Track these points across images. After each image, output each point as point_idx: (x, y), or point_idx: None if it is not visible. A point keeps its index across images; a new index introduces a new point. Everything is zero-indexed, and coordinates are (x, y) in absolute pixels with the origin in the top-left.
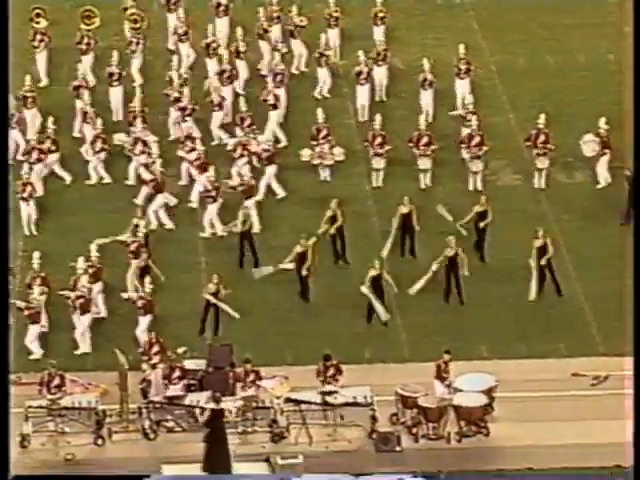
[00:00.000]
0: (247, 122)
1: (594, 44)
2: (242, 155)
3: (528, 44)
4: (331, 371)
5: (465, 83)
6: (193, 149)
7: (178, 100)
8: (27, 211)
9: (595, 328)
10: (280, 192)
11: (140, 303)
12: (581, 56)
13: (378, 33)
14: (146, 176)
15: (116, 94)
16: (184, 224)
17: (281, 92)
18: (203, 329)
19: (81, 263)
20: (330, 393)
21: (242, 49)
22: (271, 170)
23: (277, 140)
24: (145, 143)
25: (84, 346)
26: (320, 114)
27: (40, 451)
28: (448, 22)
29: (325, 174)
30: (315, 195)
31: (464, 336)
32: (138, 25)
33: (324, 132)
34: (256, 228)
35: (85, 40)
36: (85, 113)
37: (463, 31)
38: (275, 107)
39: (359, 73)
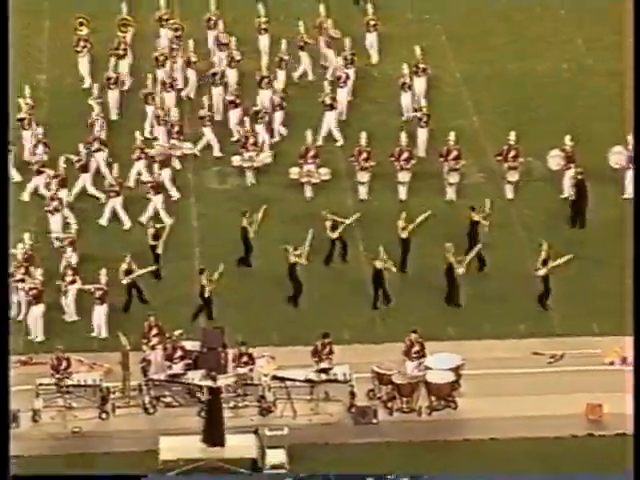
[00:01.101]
0: (251, 140)
1: (549, 54)
2: (140, 157)
3: (490, 54)
4: (327, 349)
5: (422, 81)
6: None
7: (235, 103)
8: (53, 223)
9: (553, 311)
10: (175, 194)
11: (98, 294)
12: (538, 64)
13: (371, 39)
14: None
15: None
16: (180, 217)
17: (342, 93)
18: (196, 316)
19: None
20: (326, 370)
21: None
22: (166, 172)
23: (334, 139)
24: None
25: (38, 333)
26: (309, 135)
27: (50, 424)
28: (418, 34)
29: (309, 192)
30: (302, 210)
31: (434, 319)
32: (179, 33)
33: (312, 152)
34: (167, 222)
35: (122, 46)
36: (158, 117)
37: (432, 42)
38: (332, 107)
39: (339, 77)
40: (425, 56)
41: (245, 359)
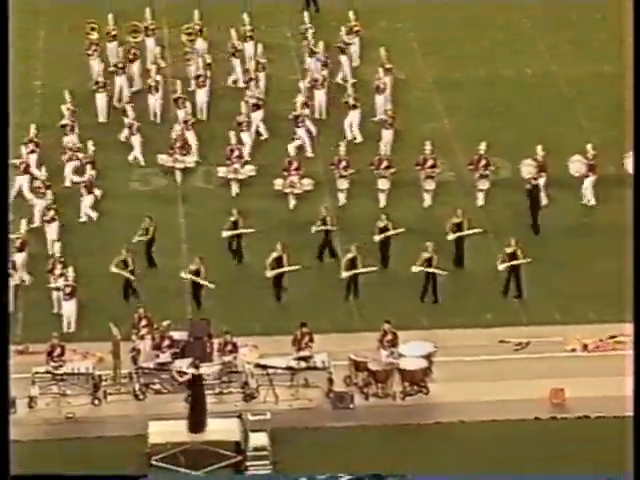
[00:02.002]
0: (236, 153)
1: (515, 59)
2: (71, 159)
3: (460, 60)
4: (306, 338)
5: (386, 80)
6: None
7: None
8: (50, 232)
9: (518, 301)
10: (97, 192)
11: (67, 290)
12: (505, 70)
13: (353, 44)
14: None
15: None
16: (169, 214)
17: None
18: (199, 303)
19: None
20: (306, 358)
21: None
22: (92, 172)
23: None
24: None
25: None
26: (292, 149)
27: (45, 410)
28: (392, 42)
29: (293, 203)
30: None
31: (407, 310)
32: (192, 38)
33: (295, 164)
34: (93, 216)
35: (132, 51)
36: (186, 122)
37: (404, 49)
38: (355, 107)
39: (316, 79)
40: (398, 62)
41: (229, 348)
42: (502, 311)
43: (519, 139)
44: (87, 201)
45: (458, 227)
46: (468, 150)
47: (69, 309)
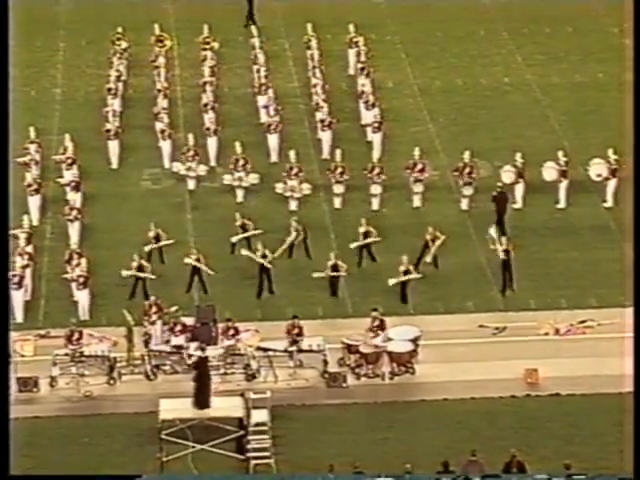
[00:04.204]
0: (241, 162)
1: (492, 69)
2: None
3: (443, 70)
4: (296, 330)
5: (367, 82)
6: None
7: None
8: (72, 230)
9: (495, 290)
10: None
11: (81, 280)
12: (482, 79)
13: (352, 54)
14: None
15: None
16: (176, 211)
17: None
18: (189, 289)
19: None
20: (297, 342)
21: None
22: (73, 171)
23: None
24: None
25: (19, 316)
26: (292, 155)
27: (65, 389)
28: (381, 52)
29: (294, 205)
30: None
31: (395, 297)
32: (210, 45)
33: (295, 170)
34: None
35: (159, 59)
36: (208, 129)
37: (392, 59)
38: (374, 106)
39: (315, 85)
40: (386, 71)
41: (232, 332)
42: (481, 298)
43: (496, 142)
44: (75, 199)
45: (365, 236)
46: (450, 151)
47: (83, 298)
